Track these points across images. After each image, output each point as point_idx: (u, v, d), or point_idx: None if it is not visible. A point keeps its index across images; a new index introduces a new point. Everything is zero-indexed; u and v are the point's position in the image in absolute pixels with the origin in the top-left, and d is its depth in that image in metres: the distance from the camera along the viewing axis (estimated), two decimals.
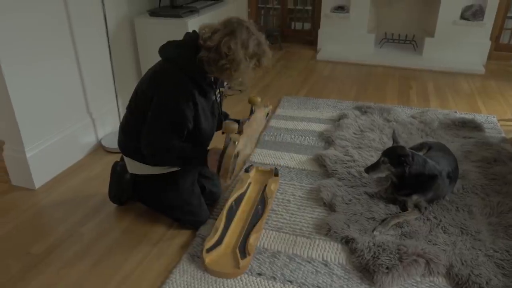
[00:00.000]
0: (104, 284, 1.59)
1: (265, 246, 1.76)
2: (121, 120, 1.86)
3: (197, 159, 1.66)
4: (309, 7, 4.99)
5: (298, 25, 5.18)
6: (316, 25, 4.82)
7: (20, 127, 2.05)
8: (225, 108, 1.96)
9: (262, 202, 1.99)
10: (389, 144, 2.14)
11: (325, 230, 1.82)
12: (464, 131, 2.73)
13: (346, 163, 2.31)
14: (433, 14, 4.33)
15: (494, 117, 3.02)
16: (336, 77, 3.96)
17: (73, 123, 2.41)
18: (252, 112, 1.86)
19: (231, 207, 1.93)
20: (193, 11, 3.03)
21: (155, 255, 1.74)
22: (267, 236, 1.81)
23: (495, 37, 4.32)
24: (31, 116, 2.11)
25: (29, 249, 1.76)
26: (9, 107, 2.00)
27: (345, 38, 4.56)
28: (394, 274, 1.56)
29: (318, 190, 2.09)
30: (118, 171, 1.98)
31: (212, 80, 1.71)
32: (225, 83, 1.89)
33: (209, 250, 1.67)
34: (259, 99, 1.89)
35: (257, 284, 1.57)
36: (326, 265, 1.66)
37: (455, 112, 3.10)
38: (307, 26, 5.11)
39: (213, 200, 2.03)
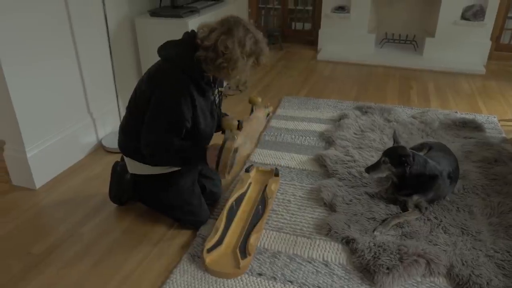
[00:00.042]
0: (105, 284, 1.59)
1: (266, 246, 1.76)
2: (121, 120, 1.86)
3: (196, 157, 1.65)
4: (310, 7, 4.99)
5: (298, 25, 5.18)
6: (316, 25, 4.83)
7: (20, 127, 2.06)
8: (225, 108, 1.96)
9: (262, 202, 1.99)
10: (390, 144, 2.14)
11: (326, 230, 1.82)
12: (464, 131, 2.73)
13: (346, 163, 2.31)
14: (433, 14, 4.34)
15: (494, 117, 3.02)
16: (336, 77, 3.96)
17: (73, 123, 2.41)
18: (252, 112, 1.86)
19: (231, 207, 1.93)
20: (193, 11, 3.04)
21: (155, 255, 1.74)
22: (267, 236, 1.81)
23: (496, 37, 4.32)
24: (32, 116, 2.11)
25: (30, 249, 1.76)
26: (9, 107, 2.00)
27: (346, 38, 4.56)
28: (394, 274, 1.56)
29: (319, 190, 2.09)
30: (118, 171, 1.98)
31: (211, 79, 1.71)
32: (224, 83, 1.89)
33: (210, 250, 1.67)
34: (259, 99, 1.89)
35: (258, 284, 1.57)
36: (326, 265, 1.66)
37: (456, 112, 3.09)
38: (308, 26, 5.11)
39: (213, 200, 2.03)
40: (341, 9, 4.52)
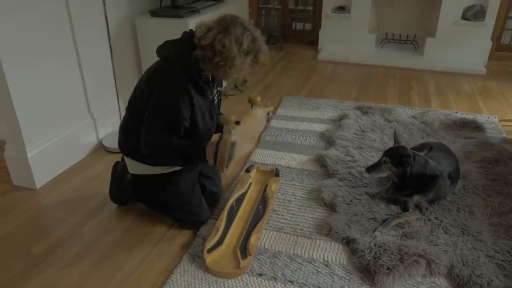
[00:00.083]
0: (105, 284, 1.59)
1: (266, 247, 1.76)
2: (121, 120, 1.86)
3: (196, 156, 1.65)
4: (310, 8, 4.99)
5: (299, 26, 5.18)
6: (317, 25, 4.82)
7: (21, 127, 2.06)
8: (225, 108, 1.96)
9: (263, 202, 1.99)
10: (390, 144, 2.14)
11: (326, 231, 1.81)
12: (465, 132, 2.73)
13: (347, 164, 2.31)
14: (434, 14, 4.33)
15: (495, 117, 3.02)
16: (337, 78, 3.96)
17: (74, 123, 2.41)
18: None
19: (232, 207, 1.93)
20: (194, 11, 3.04)
21: (156, 255, 1.74)
22: (268, 237, 1.81)
23: (496, 37, 4.32)
24: (32, 116, 2.11)
25: (30, 249, 1.76)
26: (10, 107, 2.00)
27: (346, 39, 4.56)
28: (395, 274, 1.56)
29: (319, 190, 2.09)
30: (118, 171, 1.98)
31: (209, 78, 1.70)
32: (224, 83, 1.89)
33: (210, 250, 1.67)
34: (259, 99, 1.89)
35: (258, 285, 1.57)
36: (327, 266, 1.66)
37: (456, 112, 3.09)
38: (308, 26, 5.11)
39: (214, 200, 2.02)
40: (341, 9, 4.52)
